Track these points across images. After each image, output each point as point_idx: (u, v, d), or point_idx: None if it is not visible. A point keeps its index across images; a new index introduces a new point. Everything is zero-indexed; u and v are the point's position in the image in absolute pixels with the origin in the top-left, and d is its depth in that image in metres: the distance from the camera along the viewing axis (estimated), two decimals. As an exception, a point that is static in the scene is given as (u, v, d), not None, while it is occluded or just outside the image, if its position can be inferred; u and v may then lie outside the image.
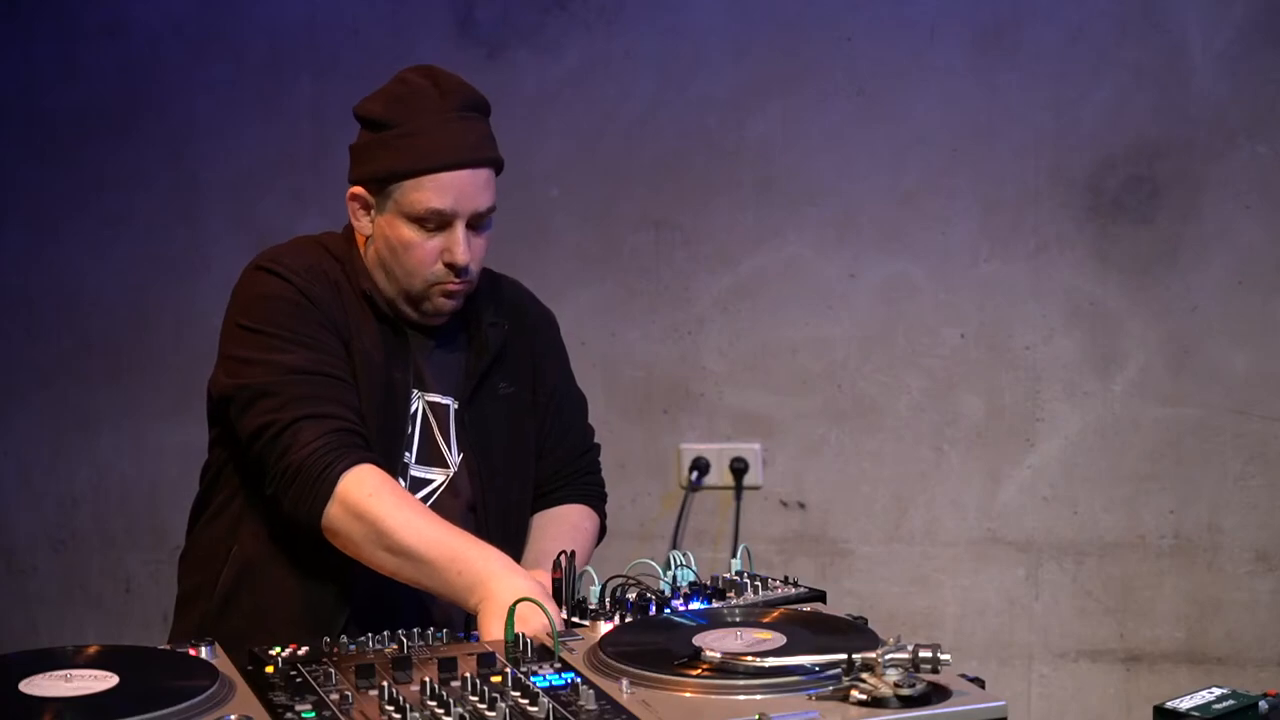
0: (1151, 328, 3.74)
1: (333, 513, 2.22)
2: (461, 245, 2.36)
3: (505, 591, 2.08)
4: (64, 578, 4.23)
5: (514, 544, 2.50)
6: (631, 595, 2.26)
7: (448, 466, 2.46)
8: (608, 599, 2.26)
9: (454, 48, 3.95)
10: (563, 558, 2.28)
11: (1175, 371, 3.73)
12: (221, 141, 4.07)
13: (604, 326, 3.95)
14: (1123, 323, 3.75)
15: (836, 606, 2.24)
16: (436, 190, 2.34)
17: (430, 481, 2.45)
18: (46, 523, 4.23)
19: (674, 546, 3.90)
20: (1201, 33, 3.65)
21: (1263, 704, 1.89)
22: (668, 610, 2.22)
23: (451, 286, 2.40)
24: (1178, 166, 3.70)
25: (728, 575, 2.36)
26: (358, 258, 2.45)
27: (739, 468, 3.91)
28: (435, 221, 2.35)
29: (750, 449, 3.91)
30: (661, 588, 2.32)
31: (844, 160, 3.83)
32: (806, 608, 2.22)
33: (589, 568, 2.32)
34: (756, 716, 1.69)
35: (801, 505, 3.91)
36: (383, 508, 2.20)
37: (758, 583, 2.32)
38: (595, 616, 2.18)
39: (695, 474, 3.92)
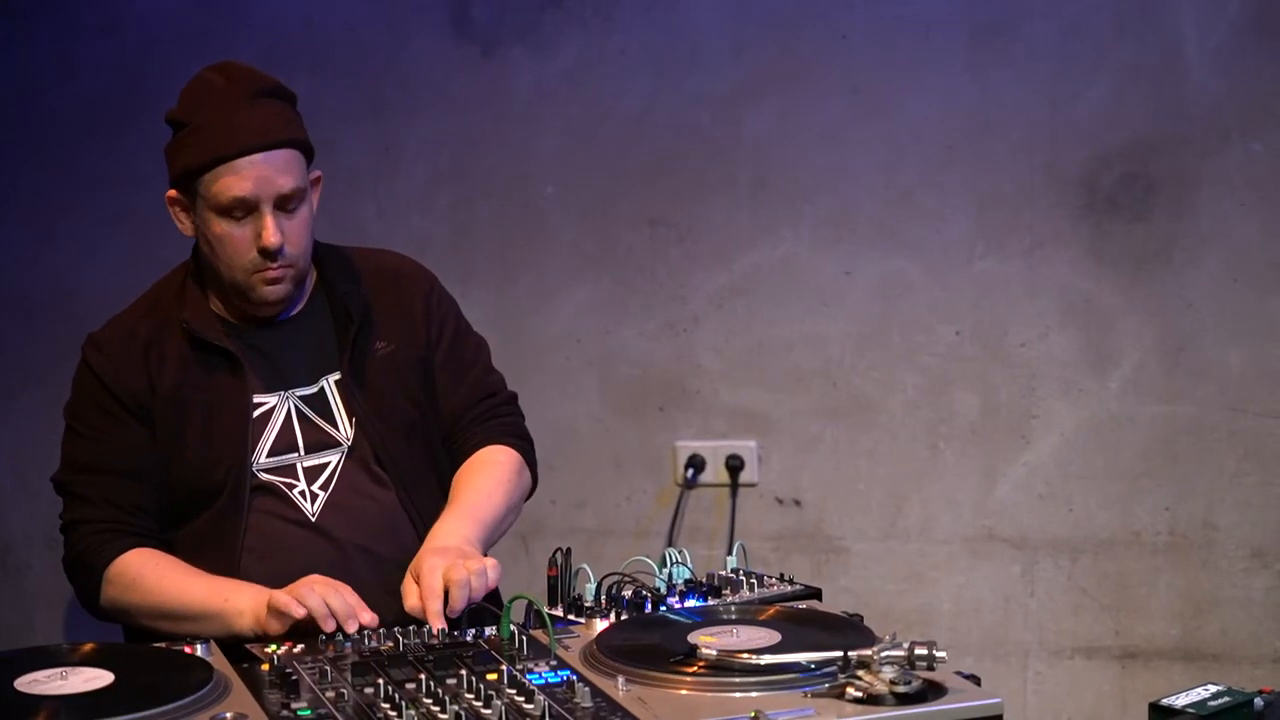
0: (1146, 325, 3.74)
1: (105, 603, 2.46)
2: (270, 228, 2.37)
3: (262, 593, 2.26)
4: (60, 576, 4.15)
5: (419, 493, 2.53)
6: (627, 593, 2.27)
7: (339, 443, 2.49)
8: (603, 596, 2.26)
9: (449, 45, 3.95)
10: (559, 555, 2.29)
11: (1170, 369, 3.73)
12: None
13: (599, 324, 3.95)
14: (1118, 320, 3.75)
15: (832, 604, 2.25)
16: (234, 178, 2.36)
17: (327, 464, 2.48)
18: (42, 521, 4.21)
19: (669, 544, 3.90)
20: (1197, 30, 3.66)
21: (1258, 701, 1.90)
22: (663, 608, 2.22)
23: (270, 273, 2.41)
24: (1173, 164, 3.70)
25: (723, 572, 2.37)
26: (192, 283, 2.53)
27: (734, 465, 3.91)
28: (241, 209, 2.38)
29: (746, 446, 3.91)
30: (657, 585, 2.32)
31: (839, 158, 3.83)
32: (802, 605, 2.23)
33: (584, 566, 2.33)
34: (752, 714, 1.70)
35: (797, 502, 3.91)
36: (145, 586, 2.39)
37: (753, 580, 2.33)
38: (591, 614, 2.19)
39: (691, 471, 3.92)
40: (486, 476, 2.54)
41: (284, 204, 2.40)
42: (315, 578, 2.23)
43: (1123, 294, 3.74)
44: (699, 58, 3.87)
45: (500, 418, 2.66)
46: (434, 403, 2.60)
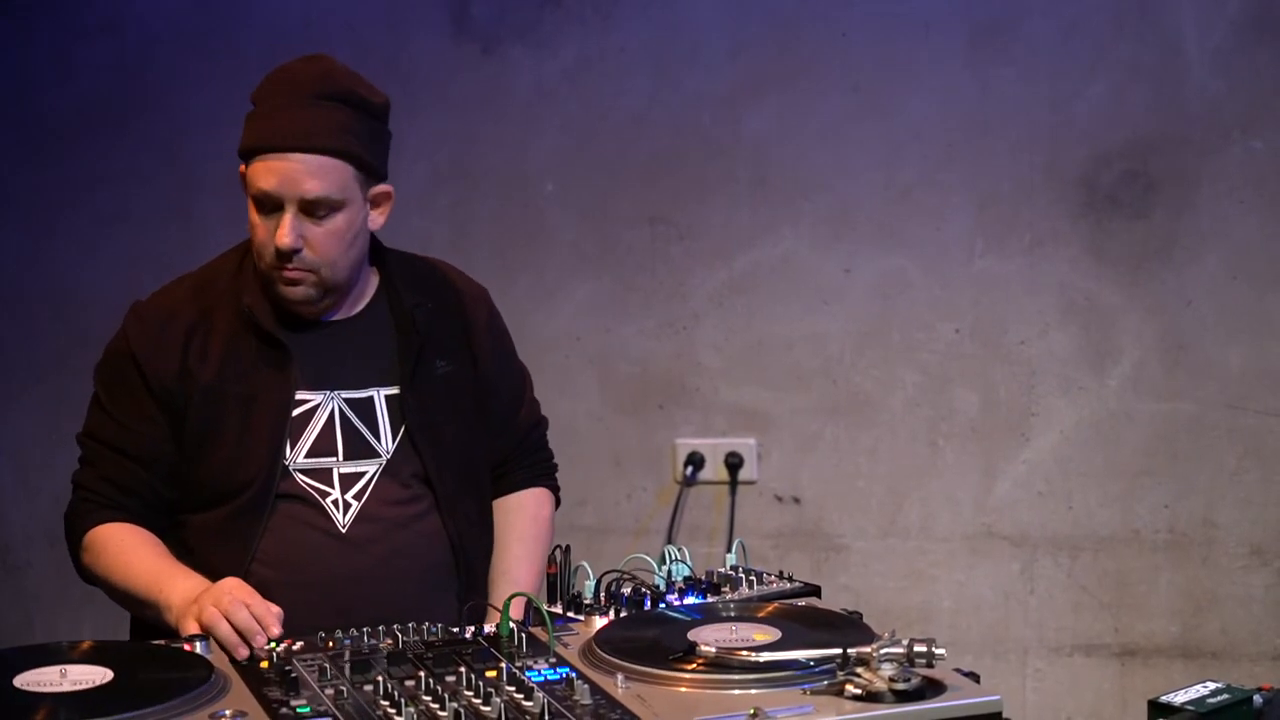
0: (1146, 323, 3.74)
1: (84, 568, 2.47)
2: (285, 229, 2.33)
3: (191, 592, 2.24)
4: (59, 574, 4.18)
5: (459, 511, 2.51)
6: (627, 590, 2.27)
7: (378, 455, 2.45)
8: (603, 594, 2.26)
9: (449, 44, 3.95)
10: (558, 552, 2.29)
11: (1170, 366, 3.73)
12: (217, 139, 4.03)
13: (599, 322, 3.95)
14: (1117, 318, 3.75)
15: (831, 601, 2.25)
16: (265, 172, 2.33)
17: (363, 474, 2.44)
18: (42, 519, 4.23)
19: (669, 541, 3.91)
20: (1196, 28, 3.66)
21: (1257, 698, 1.90)
22: (663, 605, 2.22)
23: (286, 273, 2.37)
24: (1172, 162, 3.70)
25: (722, 570, 2.37)
26: (252, 265, 2.47)
27: (734, 463, 3.91)
28: (268, 204, 2.35)
29: (745, 444, 3.91)
30: (656, 582, 2.32)
31: (839, 156, 3.83)
32: (801, 602, 2.23)
33: (584, 563, 2.33)
34: (751, 711, 1.70)
35: (796, 500, 3.91)
36: (106, 561, 2.41)
37: (752, 577, 2.33)
38: (590, 611, 2.19)
39: (690, 469, 3.93)
40: (536, 546, 2.62)
41: (311, 209, 2.34)
42: (227, 586, 2.19)
43: (1123, 292, 3.74)
44: (698, 57, 3.87)
45: (540, 449, 2.74)
46: (483, 424, 2.58)
